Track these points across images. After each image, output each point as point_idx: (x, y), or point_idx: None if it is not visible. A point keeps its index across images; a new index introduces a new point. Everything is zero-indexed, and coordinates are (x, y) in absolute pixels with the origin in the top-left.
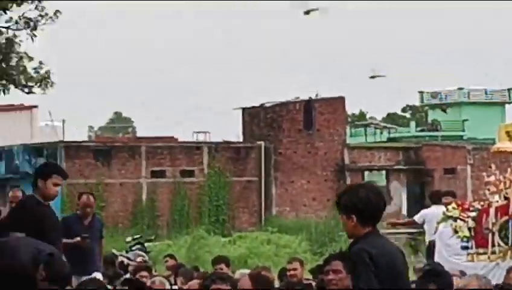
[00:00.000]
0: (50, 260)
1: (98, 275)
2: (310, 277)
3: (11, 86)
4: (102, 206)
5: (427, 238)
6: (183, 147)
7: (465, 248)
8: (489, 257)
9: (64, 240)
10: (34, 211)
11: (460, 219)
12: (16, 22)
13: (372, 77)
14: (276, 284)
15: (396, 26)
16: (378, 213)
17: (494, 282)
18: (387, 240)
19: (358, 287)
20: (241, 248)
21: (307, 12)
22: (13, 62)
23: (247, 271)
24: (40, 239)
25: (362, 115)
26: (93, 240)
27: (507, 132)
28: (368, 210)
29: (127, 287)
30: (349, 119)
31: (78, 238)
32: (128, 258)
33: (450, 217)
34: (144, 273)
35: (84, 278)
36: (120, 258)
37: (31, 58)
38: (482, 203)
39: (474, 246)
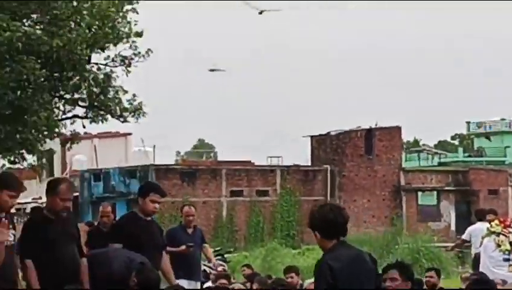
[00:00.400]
0: (141, 268)
1: (198, 286)
2: None
3: (109, 116)
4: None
5: (473, 251)
6: (259, 170)
7: (507, 260)
8: None
9: (171, 249)
10: (132, 225)
11: (503, 234)
12: (113, 60)
13: (212, 70)
14: None
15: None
16: (339, 228)
17: None
18: (353, 249)
19: None
20: (309, 258)
21: None
22: (110, 95)
23: (309, 280)
24: (137, 250)
25: (416, 142)
26: (196, 247)
27: None
28: (328, 226)
29: None
30: (405, 146)
31: (183, 247)
32: (210, 268)
33: (493, 232)
34: (224, 281)
35: (192, 281)
36: (203, 267)
37: (125, 92)
38: None
39: None
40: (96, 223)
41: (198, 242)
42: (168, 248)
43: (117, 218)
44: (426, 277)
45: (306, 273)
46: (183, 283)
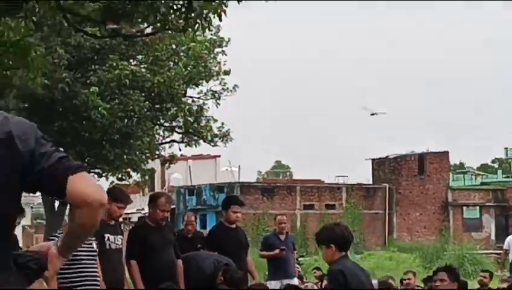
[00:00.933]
0: (227, 268)
1: (295, 281)
2: (422, 285)
3: (201, 141)
4: (267, 230)
5: (511, 257)
6: (328, 187)
7: None
8: None
9: (266, 253)
10: (221, 234)
11: None
12: (205, 94)
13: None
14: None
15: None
16: (348, 244)
17: None
18: (355, 263)
19: None
20: (370, 262)
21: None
22: (202, 123)
23: (375, 281)
24: (225, 253)
25: (461, 165)
26: (288, 251)
27: None
28: (344, 242)
29: None
30: (452, 168)
31: (277, 251)
32: None
33: None
34: (298, 281)
35: (285, 281)
36: None
37: (215, 120)
38: None
39: None
40: (180, 230)
41: (290, 246)
42: (264, 252)
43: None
44: (480, 276)
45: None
46: (276, 284)
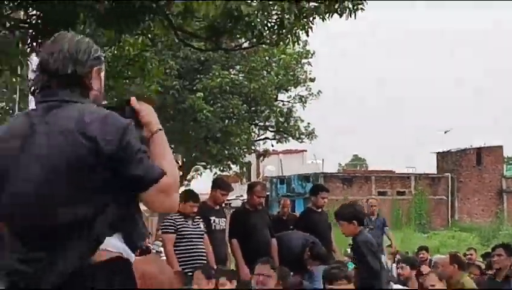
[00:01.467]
0: (313, 246)
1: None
2: (481, 259)
3: (290, 138)
4: None
5: None
6: (398, 176)
7: None
8: None
9: None
10: (310, 217)
11: None
12: (293, 98)
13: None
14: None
15: None
16: (364, 219)
17: None
18: (369, 235)
19: (370, 266)
20: (435, 241)
21: None
22: (291, 123)
23: (440, 256)
24: (312, 233)
25: None
26: (377, 230)
27: None
28: (362, 217)
29: None
30: (506, 159)
31: (367, 230)
32: None
33: None
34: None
35: None
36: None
37: (302, 121)
38: None
39: None
40: (277, 213)
41: (380, 226)
42: None
43: (295, 210)
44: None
45: (433, 252)
46: None
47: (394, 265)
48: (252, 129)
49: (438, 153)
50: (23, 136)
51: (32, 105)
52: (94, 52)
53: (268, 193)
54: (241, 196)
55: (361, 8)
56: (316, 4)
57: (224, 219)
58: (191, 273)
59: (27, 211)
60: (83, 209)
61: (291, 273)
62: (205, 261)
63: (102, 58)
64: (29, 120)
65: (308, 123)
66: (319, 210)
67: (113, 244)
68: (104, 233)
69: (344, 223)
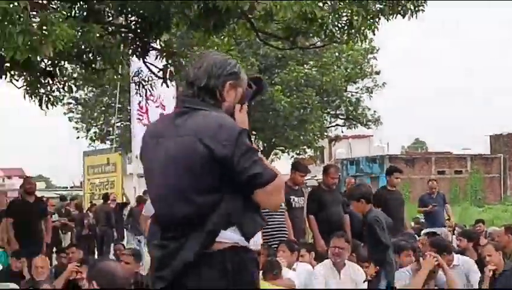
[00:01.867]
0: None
1: (443, 230)
2: None
3: (358, 125)
4: (410, 191)
5: None
6: (456, 157)
7: None
8: None
9: (422, 209)
10: (381, 194)
11: None
12: (361, 89)
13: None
14: None
15: None
16: (371, 197)
17: None
18: (379, 211)
19: (380, 241)
20: (489, 214)
21: None
22: (359, 111)
23: (495, 228)
24: (387, 210)
25: None
26: (438, 207)
27: None
28: (370, 197)
29: None
30: None
31: (430, 206)
32: None
33: None
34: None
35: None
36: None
37: (369, 109)
38: None
39: None
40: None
41: (440, 202)
42: (420, 208)
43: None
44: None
45: (488, 224)
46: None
47: (454, 237)
48: (325, 117)
49: (491, 136)
50: (157, 136)
51: (132, 100)
52: (230, 69)
53: (339, 174)
54: (315, 176)
55: (422, 10)
56: (381, 6)
57: (303, 198)
58: (275, 246)
59: (159, 204)
60: (201, 205)
61: (362, 244)
62: (287, 235)
63: (240, 74)
64: (164, 122)
65: (375, 111)
66: (394, 189)
67: (229, 236)
68: (220, 226)
69: (353, 202)
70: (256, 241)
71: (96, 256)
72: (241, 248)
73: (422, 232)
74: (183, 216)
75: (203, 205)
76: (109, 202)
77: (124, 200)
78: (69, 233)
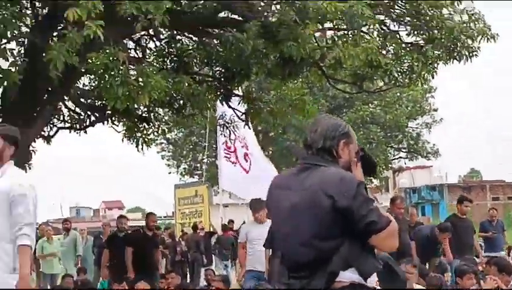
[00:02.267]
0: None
1: (501, 253)
2: None
3: (419, 157)
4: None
5: None
6: (508, 185)
7: None
8: None
9: (483, 234)
10: (451, 221)
11: None
12: (421, 125)
13: None
14: None
15: None
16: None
17: None
18: None
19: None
20: None
21: None
22: (420, 145)
23: None
24: (454, 235)
25: None
26: (498, 233)
27: None
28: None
29: None
30: None
31: (490, 233)
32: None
33: None
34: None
35: (495, 253)
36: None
37: (428, 142)
38: None
39: None
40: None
41: (499, 229)
42: (482, 233)
43: (425, 213)
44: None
45: None
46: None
47: (510, 259)
48: (388, 151)
49: None
50: (284, 187)
51: (218, 140)
52: (342, 130)
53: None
54: (382, 203)
55: (476, 55)
56: (439, 53)
57: None
58: None
59: (286, 247)
60: (324, 250)
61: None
62: None
63: (350, 133)
64: (289, 176)
65: (434, 144)
66: (464, 217)
67: (348, 276)
68: (340, 267)
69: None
70: (372, 281)
71: (188, 280)
72: (359, 285)
73: (482, 255)
74: (309, 260)
75: (325, 249)
76: (198, 231)
77: (211, 229)
78: (164, 259)
